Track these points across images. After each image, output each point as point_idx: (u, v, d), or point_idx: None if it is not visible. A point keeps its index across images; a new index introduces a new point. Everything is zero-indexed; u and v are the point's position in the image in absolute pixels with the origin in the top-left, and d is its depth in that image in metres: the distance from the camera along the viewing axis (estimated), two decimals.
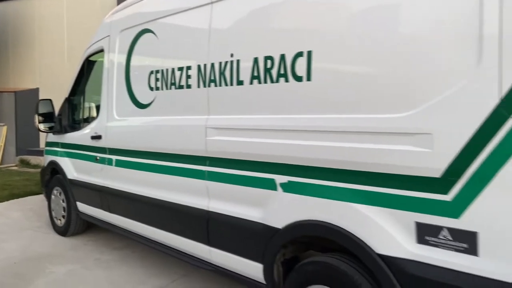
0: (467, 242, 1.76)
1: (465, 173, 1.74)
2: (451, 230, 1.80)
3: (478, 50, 1.70)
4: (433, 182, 1.84)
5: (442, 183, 1.81)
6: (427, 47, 1.89)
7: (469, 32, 1.73)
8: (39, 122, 4.87)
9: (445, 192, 1.81)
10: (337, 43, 2.22)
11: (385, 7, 2.05)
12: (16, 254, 4.42)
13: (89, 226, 5.09)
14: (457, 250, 1.79)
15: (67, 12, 11.68)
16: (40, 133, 5.96)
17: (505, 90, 1.63)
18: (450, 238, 1.81)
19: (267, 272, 2.63)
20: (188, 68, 3.09)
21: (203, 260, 3.16)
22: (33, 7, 12.36)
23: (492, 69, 1.65)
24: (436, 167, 1.82)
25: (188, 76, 3.09)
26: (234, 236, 2.84)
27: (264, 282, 2.68)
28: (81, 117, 4.71)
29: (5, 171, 10.25)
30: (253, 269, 2.71)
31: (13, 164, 11.51)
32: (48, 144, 5.29)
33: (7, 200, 6.96)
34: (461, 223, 1.77)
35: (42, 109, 4.87)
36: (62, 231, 5.06)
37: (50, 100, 4.98)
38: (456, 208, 1.78)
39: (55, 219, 5.23)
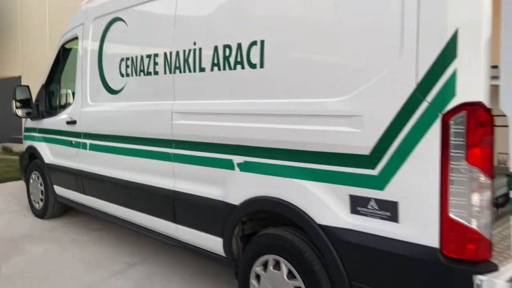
0: (389, 211, 1.99)
1: (388, 150, 1.97)
2: (377, 201, 2.04)
3: (400, 44, 1.91)
4: (363, 158, 2.07)
5: (370, 160, 2.04)
6: (358, 42, 2.10)
7: (392, 29, 1.94)
8: (17, 108, 4.99)
9: (372, 167, 2.04)
10: (285, 34, 2.42)
11: (323, 5, 2.25)
12: None
13: (67, 210, 5.26)
14: (382, 218, 2.03)
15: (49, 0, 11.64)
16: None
17: (420, 77, 1.85)
18: (377, 208, 2.04)
19: (226, 246, 2.85)
20: (156, 55, 3.26)
21: (171, 237, 3.37)
22: None
23: (410, 60, 1.87)
24: (365, 145, 2.05)
25: (156, 63, 3.27)
26: (198, 213, 3.05)
27: (224, 255, 2.90)
28: (57, 103, 4.84)
29: None
30: (215, 244, 2.93)
31: None
32: (26, 129, 5.42)
33: None
34: (385, 194, 2.00)
35: (19, 96, 4.99)
36: (41, 214, 5.22)
37: (27, 86, 5.10)
38: (381, 181, 2.01)
39: (33, 203, 5.38)
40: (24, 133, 5.50)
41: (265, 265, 2.58)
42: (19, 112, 5.03)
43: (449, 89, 1.78)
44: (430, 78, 1.82)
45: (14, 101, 4.95)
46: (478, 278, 1.74)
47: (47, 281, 3.48)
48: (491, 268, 1.78)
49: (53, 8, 11.37)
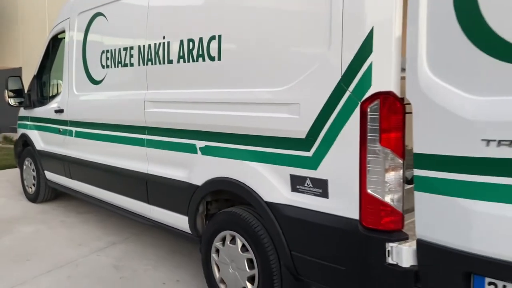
0: (321, 188, 2.25)
1: (320, 134, 2.22)
2: (312, 179, 2.29)
3: (328, 40, 2.16)
4: (300, 142, 2.32)
5: (306, 143, 2.29)
6: (296, 37, 2.35)
7: (322, 27, 2.18)
8: (9, 97, 5.27)
9: (308, 149, 2.29)
10: (237, 30, 2.67)
11: (267, 7, 2.51)
12: None
13: (59, 194, 5.56)
14: (315, 194, 2.28)
15: None
16: None
17: (344, 69, 2.09)
18: (311, 186, 2.30)
19: (191, 223, 3.12)
20: (131, 48, 3.52)
21: (146, 217, 3.64)
22: None
23: (337, 54, 2.12)
24: (302, 130, 2.30)
25: (131, 56, 3.52)
26: (167, 194, 3.32)
27: (190, 232, 3.17)
28: (47, 93, 5.12)
29: None
30: (182, 222, 3.20)
31: None
32: (20, 118, 5.71)
33: None
34: (318, 173, 2.26)
35: (12, 86, 5.28)
36: (33, 198, 5.53)
37: (19, 77, 5.38)
38: (314, 162, 2.26)
39: (26, 187, 5.68)
40: (18, 122, 5.79)
41: (223, 240, 2.85)
42: (12, 101, 5.31)
43: (366, 80, 2.02)
44: (351, 70, 2.07)
45: (6, 91, 5.23)
46: (389, 245, 2.00)
47: (32, 256, 3.78)
48: (402, 237, 2.03)
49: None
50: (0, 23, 13.01)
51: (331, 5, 2.14)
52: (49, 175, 5.11)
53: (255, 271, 2.64)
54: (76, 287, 3.23)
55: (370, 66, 2.01)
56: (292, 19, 2.38)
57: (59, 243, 4.10)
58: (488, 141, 1.64)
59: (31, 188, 5.57)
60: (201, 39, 2.88)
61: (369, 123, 2.03)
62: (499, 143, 1.61)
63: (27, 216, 4.98)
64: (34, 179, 5.46)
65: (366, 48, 2.01)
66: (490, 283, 1.70)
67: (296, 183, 2.38)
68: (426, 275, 1.90)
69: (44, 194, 5.41)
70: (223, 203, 3.11)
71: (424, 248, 1.89)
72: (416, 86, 1.87)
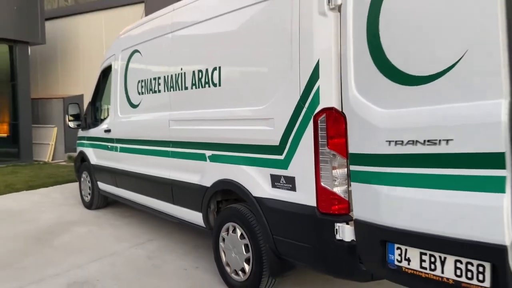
0: (291, 183, 2.88)
1: (288, 142, 2.87)
2: (285, 177, 2.93)
3: (291, 70, 2.82)
4: (275, 148, 2.97)
5: (279, 149, 2.94)
6: (270, 70, 3.05)
7: (287, 61, 2.85)
8: (69, 121, 6.36)
9: (281, 154, 2.94)
10: (230, 63, 3.41)
11: (251, 48, 3.22)
12: (52, 221, 5.89)
13: (109, 203, 6.52)
14: (287, 189, 2.92)
15: (105, 28, 13.44)
16: None
17: (301, 91, 2.74)
18: (284, 182, 2.94)
19: (204, 219, 3.83)
20: (159, 78, 4.36)
21: (172, 216, 4.41)
22: (77, 24, 14.27)
23: (296, 79, 2.78)
24: (276, 139, 2.96)
25: (159, 84, 4.37)
26: (186, 195, 4.07)
27: (204, 226, 3.89)
28: (99, 116, 6.13)
29: (54, 165, 12.10)
30: (198, 217, 3.92)
31: (62, 160, 13.38)
32: (78, 138, 6.79)
33: (52, 185, 8.63)
34: (288, 172, 2.89)
35: (71, 111, 6.37)
36: (88, 206, 6.53)
37: (77, 103, 6.46)
38: (286, 163, 2.91)
39: (83, 197, 6.71)
40: (76, 141, 6.87)
41: (227, 231, 3.54)
42: (71, 124, 6.40)
43: (316, 99, 2.66)
44: (306, 92, 2.71)
45: (67, 116, 6.32)
46: (337, 225, 2.59)
47: (85, 249, 4.65)
48: (348, 219, 2.61)
49: (108, 35, 13.12)
50: (64, 56, 14.76)
51: (292, 47, 2.82)
52: (101, 185, 6.08)
53: (250, 254, 3.29)
54: (116, 270, 4.03)
55: (318, 89, 2.64)
56: (266, 56, 3.09)
57: (106, 240, 4.97)
58: (390, 142, 2.22)
59: (87, 197, 6.58)
60: (207, 70, 3.65)
61: (320, 132, 2.65)
62: (396, 143, 2.19)
63: (83, 220, 5.94)
64: (89, 189, 6.46)
65: (315, 76, 2.66)
66: (397, 248, 2.25)
67: (275, 181, 3.03)
68: (359, 246, 2.47)
69: (97, 202, 6.39)
70: (232, 203, 3.80)
71: (358, 226, 2.47)
72: (348, 103, 2.49)
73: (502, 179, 1.78)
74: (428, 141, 2.04)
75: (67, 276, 3.89)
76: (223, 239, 3.59)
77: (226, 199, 3.80)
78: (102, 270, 4.04)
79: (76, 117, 6.39)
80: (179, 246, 4.67)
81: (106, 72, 5.91)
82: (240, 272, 3.41)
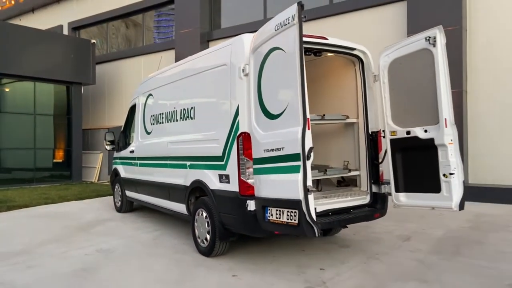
0: (228, 179, 4.68)
1: (226, 153, 4.69)
2: (225, 175, 4.73)
3: (228, 108, 4.68)
4: (220, 157, 4.80)
5: (222, 158, 4.76)
6: (218, 108, 4.92)
7: (226, 103, 4.72)
8: (106, 145, 8.50)
9: (222, 161, 4.75)
10: (200, 105, 5.34)
11: (207, 94, 5.13)
12: (91, 219, 7.92)
13: (134, 208, 8.52)
14: (226, 182, 4.71)
15: (144, 69, 15.94)
16: None
17: (231, 121, 4.58)
18: (224, 178, 4.74)
19: (187, 208, 5.67)
20: (162, 114, 6.36)
21: (169, 209, 6.28)
22: (121, 67, 16.92)
23: (230, 115, 4.62)
24: (220, 152, 4.79)
25: (162, 117, 6.36)
26: (176, 193, 5.93)
27: (187, 213, 5.72)
28: (127, 141, 8.22)
29: (99, 184, 14.43)
30: (183, 208, 5.76)
31: (106, 181, 15.68)
32: (113, 158, 8.91)
33: (94, 197, 10.80)
34: (226, 172, 4.70)
35: (108, 138, 8.53)
36: (119, 209, 8.55)
37: (113, 132, 8.61)
38: (225, 166, 4.72)
39: (115, 203, 8.75)
40: (113, 160, 8.98)
41: (198, 214, 5.34)
42: (108, 147, 8.54)
43: (238, 126, 4.48)
44: (233, 123, 4.55)
45: (104, 141, 8.48)
46: (248, 202, 4.35)
47: (110, 234, 6.58)
48: (253, 198, 4.36)
49: (146, 75, 15.52)
50: (110, 93, 17.41)
51: (228, 97, 4.69)
52: (127, 192, 8.09)
53: (209, 228, 5.07)
54: (129, 244, 5.91)
55: (238, 121, 4.48)
56: (217, 102, 4.98)
57: (127, 229, 6.90)
58: (265, 150, 4.00)
59: (118, 203, 8.61)
60: (187, 109, 5.59)
61: (239, 146, 4.46)
62: (266, 150, 3.97)
63: (113, 218, 7.94)
64: (120, 197, 8.48)
65: (237, 113, 4.50)
66: (269, 209, 3.98)
67: (220, 178, 4.84)
68: (257, 212, 4.22)
69: (125, 206, 8.38)
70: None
71: (256, 200, 4.23)
72: (251, 129, 4.31)
73: (299, 166, 3.52)
74: (277, 149, 3.82)
75: (97, 245, 5.82)
76: (196, 220, 5.40)
77: (199, 196, 5.63)
78: (120, 244, 5.95)
79: (111, 142, 8.54)
80: (177, 233, 6.50)
81: (132, 109, 8.03)
82: (204, 241, 5.18)
